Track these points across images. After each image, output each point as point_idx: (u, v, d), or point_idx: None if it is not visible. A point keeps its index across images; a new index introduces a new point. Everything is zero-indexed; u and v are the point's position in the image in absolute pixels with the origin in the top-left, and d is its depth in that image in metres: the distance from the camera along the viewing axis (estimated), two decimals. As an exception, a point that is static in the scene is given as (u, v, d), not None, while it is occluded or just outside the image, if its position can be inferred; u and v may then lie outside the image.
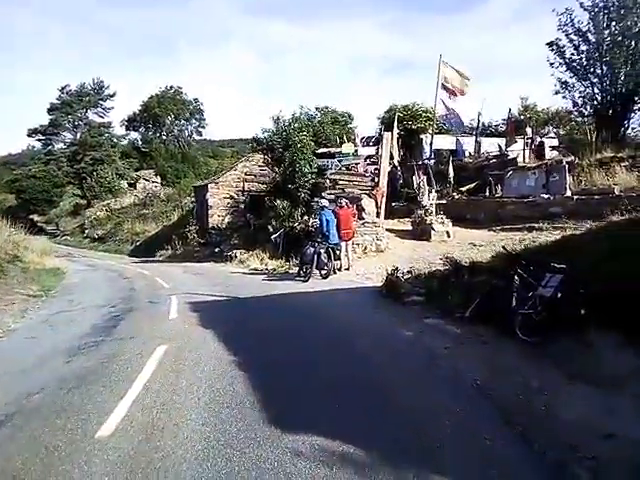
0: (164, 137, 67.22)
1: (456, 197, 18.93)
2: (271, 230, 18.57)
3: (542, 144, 21.38)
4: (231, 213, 25.82)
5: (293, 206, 18.41)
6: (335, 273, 12.92)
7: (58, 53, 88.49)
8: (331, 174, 17.90)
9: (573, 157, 16.94)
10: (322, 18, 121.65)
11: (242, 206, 26.17)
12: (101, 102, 58.53)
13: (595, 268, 6.63)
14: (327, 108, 21.35)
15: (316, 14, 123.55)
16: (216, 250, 22.36)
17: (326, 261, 12.14)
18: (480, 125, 24.27)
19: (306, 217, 17.32)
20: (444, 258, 12.52)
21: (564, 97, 19.56)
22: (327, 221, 12.74)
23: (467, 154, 24.70)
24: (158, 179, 57.05)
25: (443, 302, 8.13)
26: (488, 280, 8.20)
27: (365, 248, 15.27)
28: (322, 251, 12.11)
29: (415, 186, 18.10)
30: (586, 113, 19.62)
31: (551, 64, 19.41)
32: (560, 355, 5.54)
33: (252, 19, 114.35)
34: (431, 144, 22.63)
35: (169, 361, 5.66)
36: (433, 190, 17.57)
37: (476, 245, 14.50)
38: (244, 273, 15.01)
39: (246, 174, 25.82)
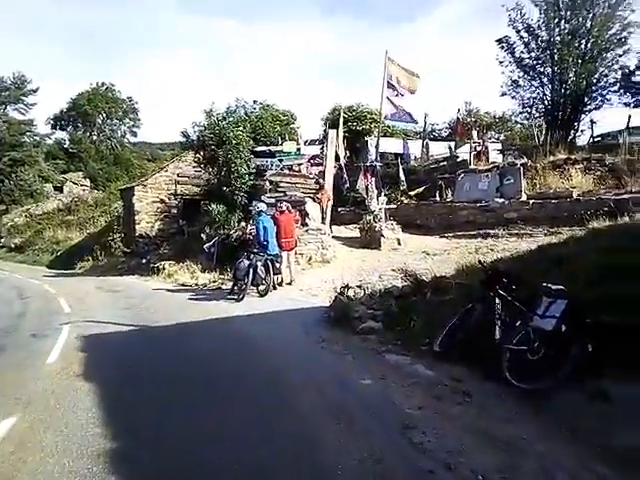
0: (94, 137, 62.84)
1: (405, 202, 17.70)
2: (204, 238, 16.49)
3: (487, 147, 20.68)
4: (162, 219, 23.33)
5: (229, 211, 16.45)
6: (275, 289, 11.11)
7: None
8: (271, 175, 16.09)
9: (526, 159, 16.13)
10: (270, 19, 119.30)
11: (175, 211, 23.80)
12: (22, 98, 53.46)
13: (591, 289, 5.27)
14: (267, 104, 19.35)
15: (265, 14, 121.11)
16: (143, 261, 19.89)
17: (264, 276, 10.30)
18: (427, 127, 23.26)
19: (243, 223, 15.41)
20: (401, 271, 11.06)
21: (513, 97, 18.89)
22: (265, 228, 10.93)
23: (413, 157, 23.75)
24: (87, 182, 52.83)
25: (405, 329, 6.59)
26: (457, 300, 6.74)
27: (310, 258, 13.57)
28: (259, 264, 10.27)
29: (362, 189, 16.64)
30: (536, 114, 19.03)
31: (500, 62, 18.76)
32: (571, 414, 4.07)
33: (196, 18, 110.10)
34: (377, 146, 21.37)
35: (5, 455, 3.64)
36: (382, 194, 16.19)
37: (430, 254, 13.18)
38: (169, 290, 12.87)
39: (179, 175, 23.44)
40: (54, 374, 5.52)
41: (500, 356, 4.91)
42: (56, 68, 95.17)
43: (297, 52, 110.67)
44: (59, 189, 50.23)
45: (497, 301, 5.50)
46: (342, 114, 20.48)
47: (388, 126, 23.48)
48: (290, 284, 11.75)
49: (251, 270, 10.11)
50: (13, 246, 39.21)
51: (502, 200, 14.72)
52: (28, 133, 53.09)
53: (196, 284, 13.64)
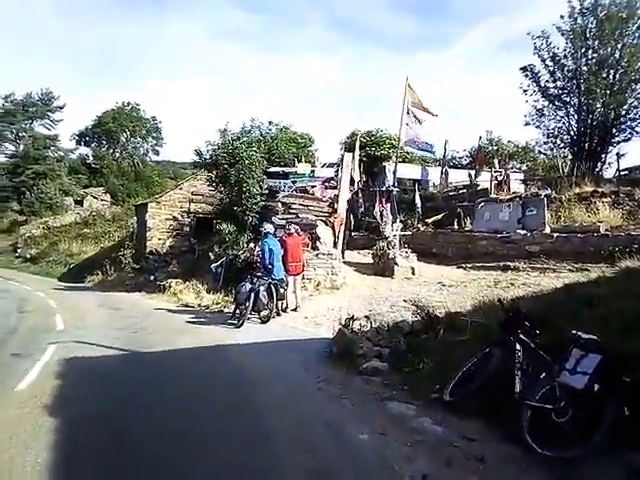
0: (117, 154, 63.82)
1: (422, 229, 17.05)
2: (213, 258, 16.06)
3: (508, 176, 20.02)
4: (174, 236, 23.05)
5: (239, 231, 16.00)
6: (279, 315, 10.53)
7: (7, 64, 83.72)
8: (283, 196, 15.67)
9: (550, 190, 15.43)
10: (287, 51, 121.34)
11: (187, 229, 23.53)
12: (49, 114, 54.83)
13: (628, 339, 4.56)
14: (284, 125, 19.10)
15: (285, 46, 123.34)
16: (151, 278, 19.51)
17: (266, 301, 9.72)
18: (447, 154, 22.73)
19: (252, 244, 14.92)
20: (411, 303, 10.39)
21: (537, 127, 18.25)
22: (271, 250, 10.40)
23: (432, 184, 23.21)
24: (108, 197, 53.29)
25: (413, 371, 5.92)
26: (473, 342, 6.06)
27: (318, 284, 12.97)
28: (262, 288, 9.71)
29: (377, 215, 16.08)
30: (561, 145, 18.37)
31: (524, 91, 18.22)
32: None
33: (218, 45, 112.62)
34: (395, 172, 20.92)
35: None
36: (397, 220, 15.60)
37: (445, 285, 12.47)
38: (170, 310, 12.36)
39: (193, 194, 23.24)
40: (19, 403, 4.98)
41: (520, 413, 4.23)
42: (83, 86, 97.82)
43: (314, 82, 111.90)
44: (80, 203, 50.76)
45: (518, 347, 4.82)
46: (359, 138, 20.08)
47: (407, 152, 23.05)
48: (295, 310, 11.15)
49: (252, 294, 9.55)
50: (28, 257, 39.44)
51: (524, 232, 13.99)
52: (52, 148, 54.24)
53: (199, 305, 13.15)
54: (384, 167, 24.37)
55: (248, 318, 9.64)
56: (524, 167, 28.34)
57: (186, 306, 13.43)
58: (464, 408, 4.81)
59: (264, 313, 9.92)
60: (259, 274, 10.10)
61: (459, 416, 4.65)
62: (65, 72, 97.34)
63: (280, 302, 10.56)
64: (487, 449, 4.03)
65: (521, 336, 4.88)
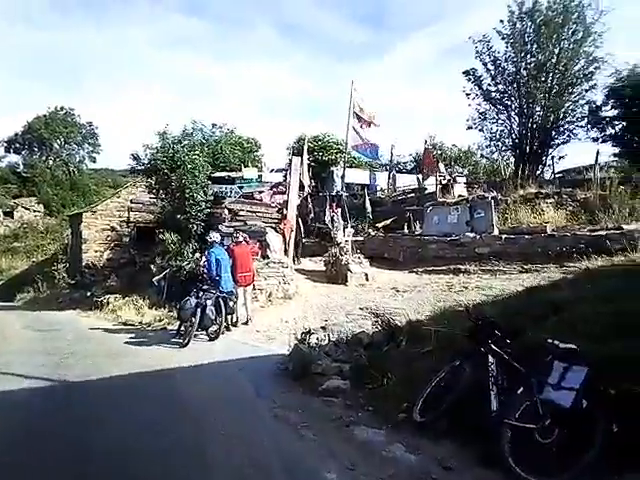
0: (50, 162, 60.13)
1: (372, 234, 16.79)
2: (155, 270, 15.03)
3: (455, 180, 20.24)
4: (112, 248, 21.59)
5: (183, 240, 15.08)
6: (229, 330, 9.83)
7: None
8: (230, 203, 14.92)
9: (496, 193, 15.61)
10: (234, 57, 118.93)
11: (127, 239, 22.13)
12: (-29, 118, 50.73)
13: (603, 346, 4.28)
14: (228, 128, 18.21)
15: (232, 52, 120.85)
16: (87, 294, 18.11)
17: (214, 316, 8.99)
18: (393, 158, 22.75)
19: (198, 255, 14.06)
20: (369, 311, 10.04)
21: (480, 130, 18.53)
22: (217, 261, 9.69)
23: (379, 189, 23.15)
24: (41, 208, 49.90)
25: (377, 388, 5.48)
26: (439, 353, 5.70)
27: (269, 294, 12.35)
28: (209, 302, 8.97)
29: (328, 220, 15.67)
30: (503, 148, 18.76)
31: (467, 95, 18.45)
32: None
33: (164, 53, 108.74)
34: (343, 177, 20.71)
35: None
36: (349, 225, 15.25)
37: (400, 291, 12.22)
38: (107, 330, 11.30)
39: (132, 202, 21.90)
40: None
41: (499, 434, 3.85)
42: (12, 91, 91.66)
43: (265, 88, 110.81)
44: (9, 214, 47.15)
45: (491, 360, 4.47)
46: (307, 142, 19.65)
47: (354, 157, 22.90)
48: (246, 324, 10.48)
49: (199, 310, 8.80)
50: (-47, 275, 36.13)
51: (473, 234, 14.00)
52: (-24, 155, 50.22)
53: (140, 322, 12.17)
54: (332, 172, 24.05)
55: (195, 335, 8.88)
56: (465, 171, 28.98)
57: (125, 324, 12.40)
58: (437, 429, 4.40)
59: (212, 329, 9.20)
60: (205, 287, 9.34)
61: (433, 439, 4.23)
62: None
63: (229, 316, 9.86)
64: (466, 477, 3.61)
65: (492, 346, 4.54)
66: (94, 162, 63.12)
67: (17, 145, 60.17)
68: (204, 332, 9.25)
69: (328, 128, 27.24)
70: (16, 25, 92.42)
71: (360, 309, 10.96)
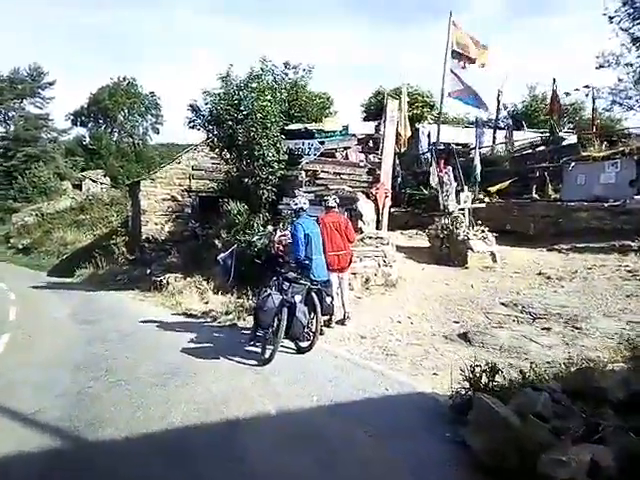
0: (115, 134, 60.07)
1: (486, 200, 13.21)
2: (220, 246, 12.45)
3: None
4: (173, 220, 19.41)
5: (252, 211, 12.34)
6: (322, 333, 6.84)
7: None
8: (308, 162, 11.90)
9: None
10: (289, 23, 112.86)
11: (189, 210, 19.89)
12: (39, 91, 50.89)
13: None
14: (303, 68, 14.41)
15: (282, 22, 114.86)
16: (147, 272, 15.99)
17: (306, 321, 6.03)
18: (501, 108, 18.68)
19: (270, 227, 11.24)
20: (525, 311, 6.69)
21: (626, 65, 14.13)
22: (307, 237, 6.72)
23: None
24: (107, 180, 49.60)
25: None
26: None
27: (366, 280, 9.31)
28: (298, 299, 6.02)
29: (435, 183, 12.28)
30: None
31: (610, 18, 14.10)
32: None
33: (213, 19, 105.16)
34: (435, 134, 17.16)
35: None
36: (465, 189, 11.76)
37: (551, 278, 8.77)
38: (161, 324, 8.72)
39: (193, 168, 19.49)
40: None
41: None
42: (73, 67, 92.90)
43: (324, 52, 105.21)
44: (78, 187, 47.20)
45: None
46: (405, 86, 16.06)
47: (444, 112, 19.06)
48: (343, 323, 7.55)
49: (285, 311, 5.89)
50: (21, 247, 36.26)
51: (641, 198, 10.22)
52: (45, 128, 50.53)
53: (204, 313, 9.60)
54: (417, 129, 20.43)
55: (277, 349, 5.99)
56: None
57: (187, 312, 9.91)
58: None
59: (304, 344, 6.28)
60: (291, 275, 6.41)
61: None
62: (56, 54, 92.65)
63: (325, 317, 6.93)
64: None
65: None
66: (157, 133, 62.56)
67: (83, 118, 60.52)
68: (289, 337, 6.35)
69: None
70: (79, 7, 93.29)
71: (503, 304, 7.70)
